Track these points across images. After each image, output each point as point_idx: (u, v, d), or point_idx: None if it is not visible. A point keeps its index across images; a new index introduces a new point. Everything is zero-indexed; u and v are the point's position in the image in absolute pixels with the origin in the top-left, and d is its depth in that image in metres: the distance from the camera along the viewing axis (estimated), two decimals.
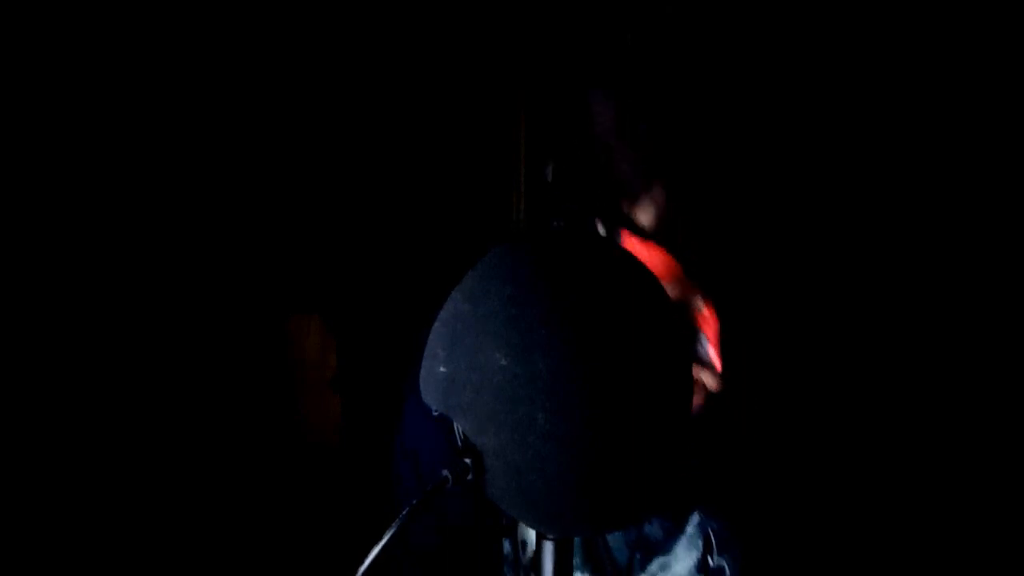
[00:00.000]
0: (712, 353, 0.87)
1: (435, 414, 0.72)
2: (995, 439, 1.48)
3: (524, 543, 0.96)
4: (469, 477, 0.68)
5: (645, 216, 0.89)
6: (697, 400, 0.86)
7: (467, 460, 0.68)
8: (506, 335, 0.68)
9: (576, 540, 0.91)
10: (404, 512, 0.66)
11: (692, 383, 0.74)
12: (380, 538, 0.66)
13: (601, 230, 0.89)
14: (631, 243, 0.88)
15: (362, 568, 0.66)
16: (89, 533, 1.55)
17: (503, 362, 0.68)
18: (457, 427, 0.70)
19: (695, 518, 0.96)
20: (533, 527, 0.73)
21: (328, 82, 1.73)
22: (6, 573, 1.47)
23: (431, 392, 0.72)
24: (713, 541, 0.97)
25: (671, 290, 0.87)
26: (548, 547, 0.73)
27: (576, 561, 0.92)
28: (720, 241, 0.97)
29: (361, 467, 1.76)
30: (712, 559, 0.94)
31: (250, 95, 1.70)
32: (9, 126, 1.50)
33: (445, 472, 0.68)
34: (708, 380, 0.87)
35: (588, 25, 0.93)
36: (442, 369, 0.71)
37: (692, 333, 0.80)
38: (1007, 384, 1.51)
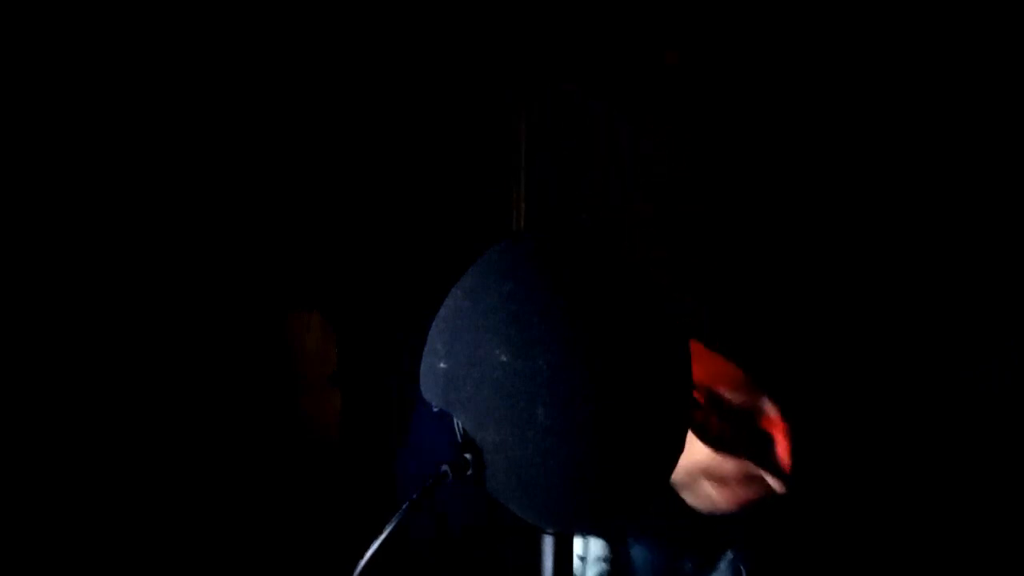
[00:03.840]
0: (782, 455, 0.85)
1: (435, 410, 0.72)
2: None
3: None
4: (469, 472, 0.68)
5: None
6: (755, 493, 0.85)
7: (467, 455, 0.69)
8: (506, 331, 0.68)
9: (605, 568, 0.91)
10: (403, 508, 0.66)
11: (691, 380, 0.74)
12: (379, 534, 0.66)
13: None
14: (696, 349, 0.84)
15: (361, 564, 0.66)
16: (88, 532, 1.55)
17: (503, 358, 0.68)
18: (457, 422, 0.70)
19: (728, 555, 0.96)
20: (533, 522, 0.73)
21: (328, 81, 1.73)
22: (6, 573, 1.47)
23: (431, 388, 0.72)
24: None
25: (736, 396, 0.86)
26: (548, 542, 0.73)
27: None
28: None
29: (361, 463, 1.76)
30: None
31: (250, 93, 1.70)
32: (9, 126, 1.50)
33: (445, 467, 0.68)
34: (775, 483, 0.85)
35: (624, 44, 0.93)
36: (442, 365, 0.71)
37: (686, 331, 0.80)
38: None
